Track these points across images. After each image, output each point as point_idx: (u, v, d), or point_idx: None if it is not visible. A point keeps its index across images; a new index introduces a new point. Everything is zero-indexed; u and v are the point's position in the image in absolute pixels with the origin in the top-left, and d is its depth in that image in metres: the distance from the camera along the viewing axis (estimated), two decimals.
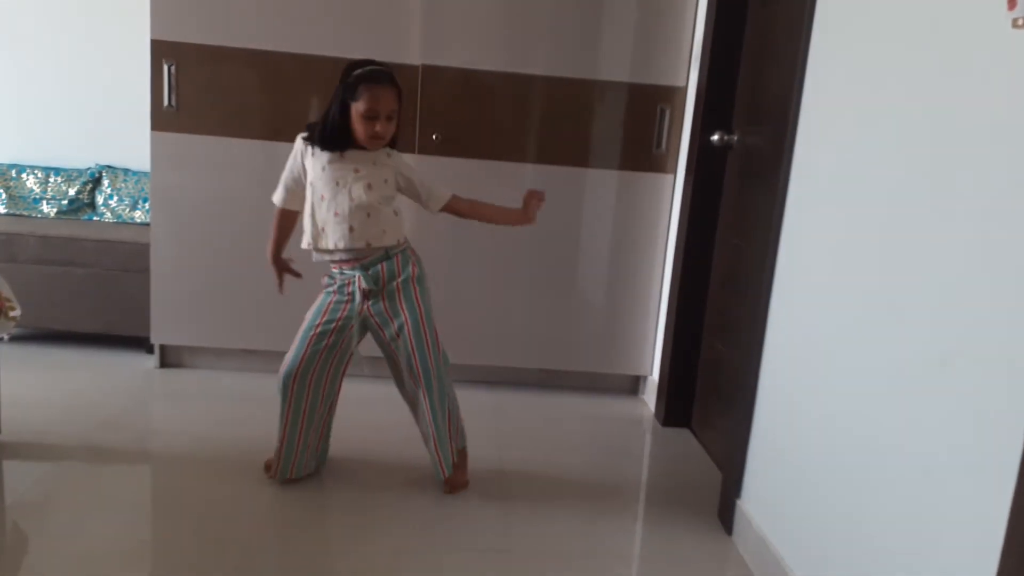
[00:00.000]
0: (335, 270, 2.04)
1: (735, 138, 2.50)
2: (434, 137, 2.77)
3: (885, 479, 1.37)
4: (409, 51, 2.74)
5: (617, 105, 2.83)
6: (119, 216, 3.46)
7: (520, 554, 1.86)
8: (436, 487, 2.14)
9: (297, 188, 2.06)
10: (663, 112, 2.83)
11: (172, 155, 2.78)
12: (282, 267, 2.18)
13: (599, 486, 2.27)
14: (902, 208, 1.38)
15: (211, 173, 2.81)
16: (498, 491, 2.17)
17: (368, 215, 1.96)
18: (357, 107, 1.92)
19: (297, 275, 2.17)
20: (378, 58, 2.68)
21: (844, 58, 1.64)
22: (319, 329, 2.03)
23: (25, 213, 3.45)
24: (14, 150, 3.55)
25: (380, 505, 2.04)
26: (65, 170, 3.48)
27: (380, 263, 2.01)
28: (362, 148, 1.98)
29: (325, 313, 2.04)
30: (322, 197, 1.97)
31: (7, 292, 2.10)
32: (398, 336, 2.04)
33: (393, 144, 2.06)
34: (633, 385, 3.13)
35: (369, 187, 1.97)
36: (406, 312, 2.03)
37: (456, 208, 2.13)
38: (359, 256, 1.99)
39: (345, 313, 2.04)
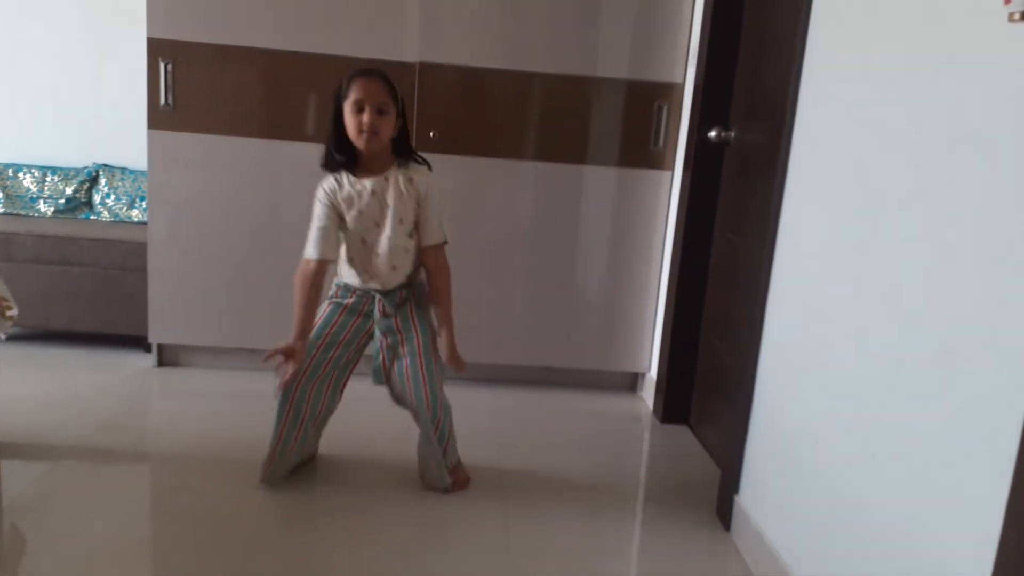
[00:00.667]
0: (353, 286, 2.04)
1: (732, 134, 2.50)
2: (432, 135, 2.77)
3: (882, 474, 1.37)
4: (406, 48, 2.73)
5: (615, 102, 2.82)
6: (116, 215, 3.46)
7: (519, 551, 1.86)
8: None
9: (333, 235, 1.97)
10: (660, 109, 2.83)
11: (169, 154, 2.78)
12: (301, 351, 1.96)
13: (597, 483, 2.27)
14: (899, 203, 1.38)
15: (208, 172, 2.80)
16: (496, 488, 2.17)
17: (405, 251, 2.01)
18: (347, 104, 1.91)
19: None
20: (375, 55, 2.72)
21: (841, 53, 1.63)
22: (327, 340, 2.03)
23: (22, 212, 3.44)
24: (10, 149, 3.54)
25: (378, 503, 2.04)
26: (62, 169, 3.47)
27: (400, 290, 2.04)
28: (377, 175, 1.96)
29: (334, 325, 2.04)
30: (362, 241, 1.98)
31: (4, 292, 2.10)
32: (404, 351, 2.03)
33: (409, 154, 2.02)
34: (631, 382, 3.13)
35: (401, 222, 1.99)
36: (418, 330, 2.04)
37: (429, 261, 2.06)
38: (386, 289, 2.03)
39: (355, 327, 2.05)
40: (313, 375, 2.02)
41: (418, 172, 2.02)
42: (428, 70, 2.74)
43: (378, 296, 2.02)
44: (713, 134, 2.51)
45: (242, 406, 2.63)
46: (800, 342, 1.73)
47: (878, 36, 1.49)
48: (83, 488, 2.01)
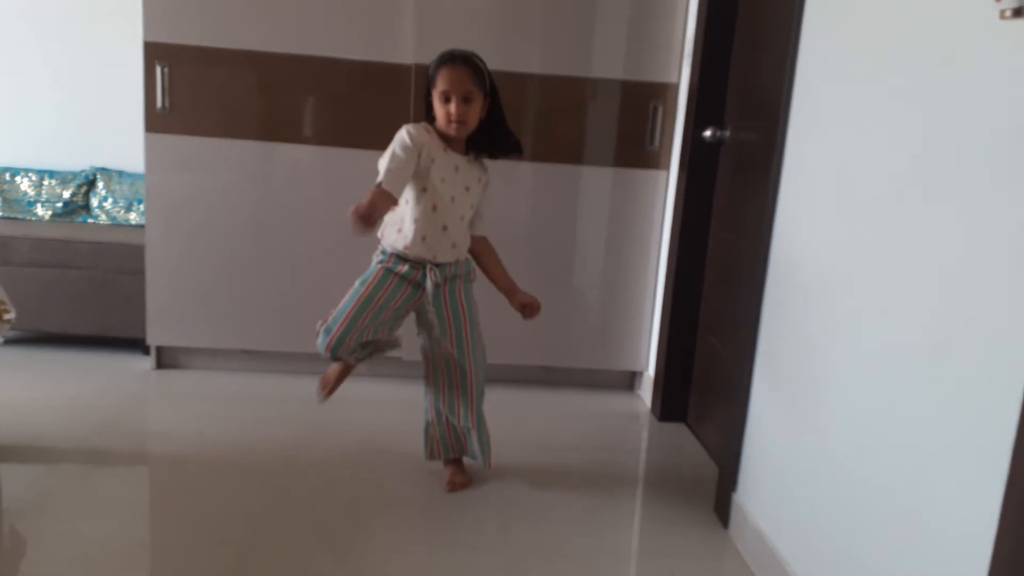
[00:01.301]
0: (406, 256, 1.98)
1: (727, 133, 2.51)
2: None
3: (879, 471, 1.38)
4: (402, 51, 2.74)
5: (610, 102, 2.83)
6: (114, 218, 3.46)
7: (518, 550, 1.87)
8: (435, 485, 2.15)
9: (405, 177, 1.87)
10: (656, 109, 2.84)
11: (166, 157, 2.78)
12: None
13: (596, 481, 2.27)
14: (894, 202, 1.38)
15: (205, 174, 2.81)
16: (495, 488, 2.18)
17: (466, 235, 2.04)
18: (435, 93, 1.94)
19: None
20: (371, 57, 2.73)
21: (835, 51, 1.64)
22: (380, 303, 1.96)
23: (20, 216, 3.45)
24: (8, 153, 3.55)
25: (379, 504, 2.05)
26: (59, 173, 3.48)
27: (451, 265, 2.03)
28: (465, 155, 2.00)
29: (387, 290, 1.97)
30: (434, 207, 1.94)
31: (2, 295, 2.10)
32: (451, 327, 2.04)
33: (496, 141, 2.03)
34: (629, 381, 3.14)
35: (471, 207, 2.03)
36: (464, 305, 2.06)
37: (482, 247, 2.14)
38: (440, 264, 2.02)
39: (406, 295, 1.99)
40: (360, 337, 1.97)
41: (484, 162, 2.06)
42: (424, 72, 2.74)
43: (430, 265, 1.99)
44: (708, 133, 2.52)
45: (241, 408, 2.64)
46: (796, 339, 1.74)
47: (870, 35, 1.50)
48: (82, 490, 2.01)
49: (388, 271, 1.98)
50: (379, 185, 1.80)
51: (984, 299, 1.13)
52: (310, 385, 2.21)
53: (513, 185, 2.88)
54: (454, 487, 2.14)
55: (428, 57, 2.72)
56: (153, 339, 2.93)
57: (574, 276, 2.97)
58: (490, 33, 2.76)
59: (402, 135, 1.90)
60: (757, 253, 1.92)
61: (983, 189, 1.15)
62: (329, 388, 2.10)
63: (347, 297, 1.97)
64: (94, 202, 3.47)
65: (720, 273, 2.57)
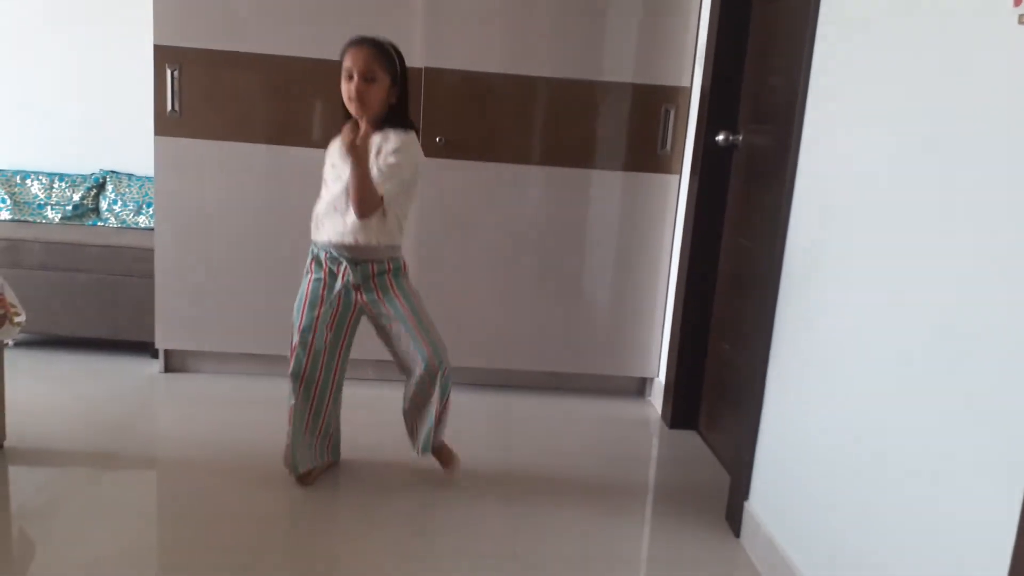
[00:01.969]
0: (324, 255, 2.01)
1: (740, 138, 2.49)
2: (438, 140, 2.77)
3: (893, 480, 1.36)
4: (412, 54, 2.73)
5: (621, 106, 2.82)
6: (123, 221, 3.47)
7: (527, 558, 1.85)
8: (442, 490, 2.14)
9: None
10: (667, 113, 2.82)
11: (176, 160, 2.78)
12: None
13: (606, 489, 2.25)
14: (908, 206, 1.36)
15: (215, 177, 2.80)
16: (505, 494, 2.16)
17: (376, 217, 1.96)
18: (342, 72, 1.94)
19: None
20: None
21: (849, 56, 1.62)
22: (318, 325, 2.03)
23: (30, 219, 3.45)
24: (19, 156, 3.55)
25: (385, 509, 2.03)
26: (69, 175, 3.48)
27: (370, 263, 2.00)
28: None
29: (321, 305, 2.03)
30: (326, 190, 2.01)
31: (12, 298, 2.10)
32: (392, 316, 2.03)
33: (399, 123, 1.98)
34: (640, 387, 3.12)
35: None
36: (401, 300, 2.03)
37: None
38: (350, 252, 1.98)
39: (341, 305, 2.03)
40: (316, 365, 2.04)
41: (397, 135, 1.97)
42: (434, 75, 2.74)
43: (344, 262, 1.99)
44: (721, 138, 2.50)
45: (249, 411, 2.63)
46: (810, 346, 1.72)
47: (886, 38, 1.48)
48: (91, 493, 2.01)
49: (317, 282, 2.03)
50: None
51: (1001, 302, 1.11)
52: None
53: (523, 189, 2.87)
54: (452, 467, 2.16)
55: (437, 60, 2.75)
56: (162, 342, 2.93)
57: (584, 281, 2.95)
58: (500, 36, 2.76)
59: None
60: (770, 258, 1.90)
61: (1000, 197, 1.13)
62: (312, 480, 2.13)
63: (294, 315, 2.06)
64: (104, 205, 3.48)
65: (732, 278, 2.55)
